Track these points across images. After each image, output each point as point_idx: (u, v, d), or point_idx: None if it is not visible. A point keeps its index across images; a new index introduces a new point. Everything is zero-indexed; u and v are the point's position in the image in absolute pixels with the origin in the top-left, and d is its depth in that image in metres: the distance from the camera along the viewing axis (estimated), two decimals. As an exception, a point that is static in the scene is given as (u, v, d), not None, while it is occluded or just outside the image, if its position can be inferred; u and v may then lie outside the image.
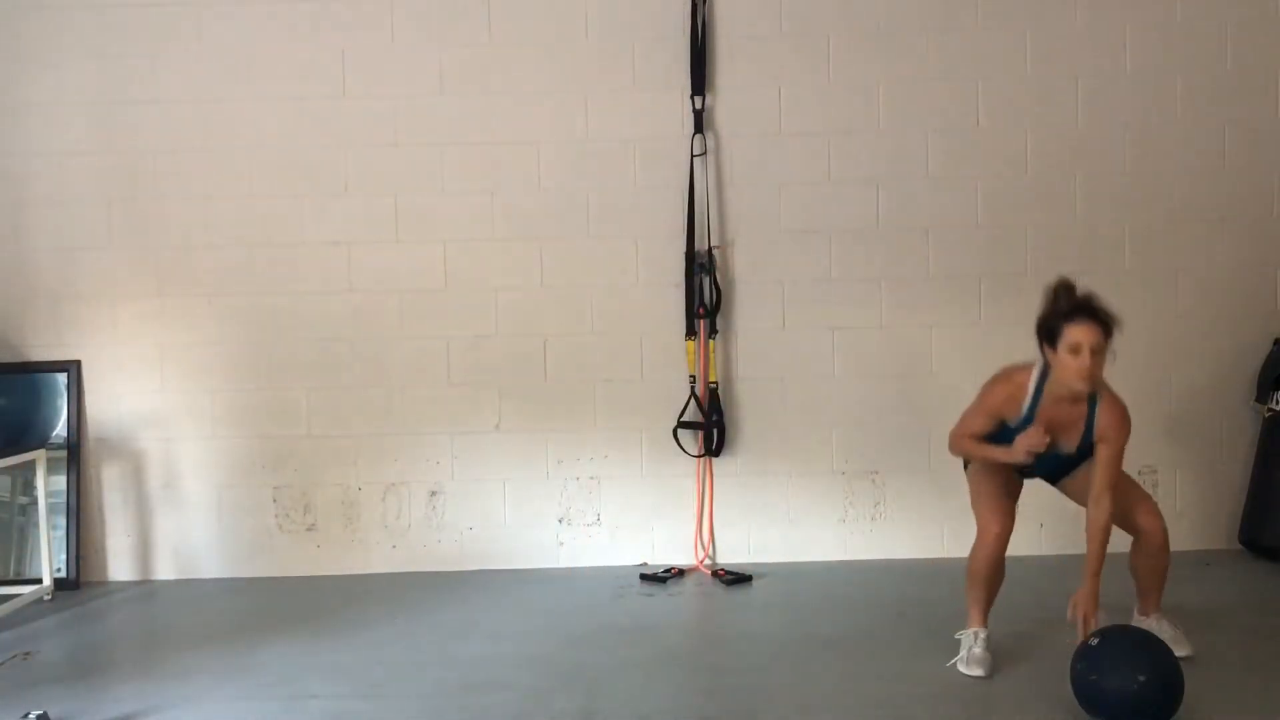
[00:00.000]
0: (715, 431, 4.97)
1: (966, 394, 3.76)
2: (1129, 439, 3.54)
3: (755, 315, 5.03)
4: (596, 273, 5.02)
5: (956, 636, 3.71)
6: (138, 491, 5.06)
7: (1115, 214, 4.99)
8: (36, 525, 4.79)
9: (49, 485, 4.79)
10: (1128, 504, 3.63)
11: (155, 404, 5.04)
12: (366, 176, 5.01)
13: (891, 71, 4.99)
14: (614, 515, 5.08)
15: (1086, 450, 3.60)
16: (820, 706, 3.41)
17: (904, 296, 5.00)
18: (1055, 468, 3.74)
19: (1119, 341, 3.46)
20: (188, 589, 4.95)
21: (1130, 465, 4.89)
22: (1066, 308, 3.45)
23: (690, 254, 4.97)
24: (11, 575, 4.93)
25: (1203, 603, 4.27)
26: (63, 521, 4.97)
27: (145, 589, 4.97)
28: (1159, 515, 3.67)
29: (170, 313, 5.04)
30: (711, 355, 4.97)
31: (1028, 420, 3.55)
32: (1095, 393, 3.51)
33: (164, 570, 5.08)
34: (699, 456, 5.02)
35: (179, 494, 5.07)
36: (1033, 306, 3.56)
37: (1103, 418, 3.52)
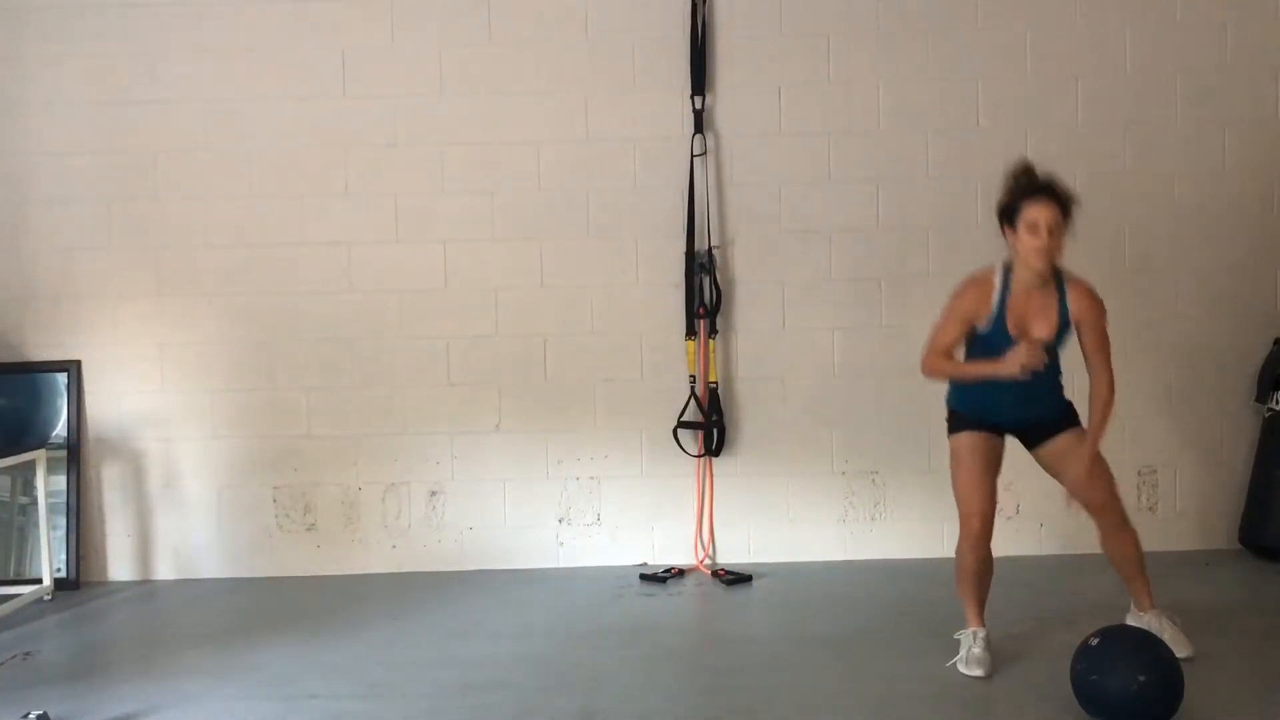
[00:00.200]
0: (715, 431, 4.97)
1: (966, 394, 3.75)
2: (1106, 315, 3.59)
3: (755, 315, 5.03)
4: (596, 273, 5.02)
5: (955, 637, 3.71)
6: (138, 491, 5.06)
7: (1115, 214, 4.99)
8: (36, 525, 4.79)
9: (49, 485, 4.79)
10: (1090, 480, 3.63)
11: (155, 404, 5.04)
12: (366, 176, 5.02)
13: (891, 71, 4.99)
14: (614, 515, 5.08)
15: (1058, 344, 3.58)
16: (820, 706, 3.41)
17: (904, 296, 5.00)
18: (1034, 391, 3.63)
19: (1075, 218, 3.54)
20: (188, 589, 4.95)
21: (1130, 465, 4.98)
22: (1025, 188, 3.53)
23: (690, 254, 4.97)
24: (11, 575, 4.93)
25: (1203, 603, 4.26)
26: (63, 521, 4.97)
27: (145, 589, 4.97)
28: (1116, 496, 3.68)
29: (170, 313, 5.04)
30: (711, 355, 4.97)
31: (999, 317, 3.56)
32: (1061, 277, 3.57)
33: (164, 570, 5.08)
34: (699, 456, 5.02)
35: (179, 494, 5.07)
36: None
37: (1074, 300, 3.57)
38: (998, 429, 3.70)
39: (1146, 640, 3.26)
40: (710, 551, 5.07)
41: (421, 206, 5.02)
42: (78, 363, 5.04)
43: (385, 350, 5.05)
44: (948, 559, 3.80)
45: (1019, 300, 3.56)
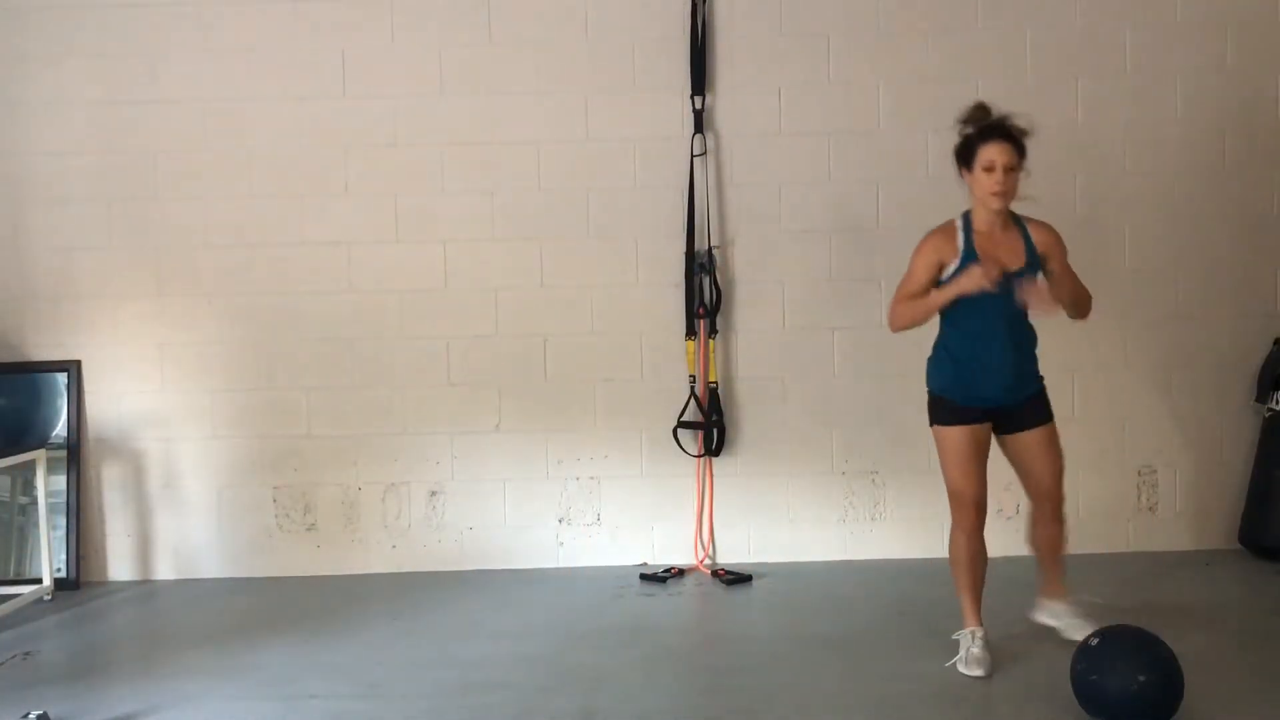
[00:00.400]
0: (715, 431, 4.97)
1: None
2: (1067, 250, 3.66)
3: (755, 315, 5.03)
4: (596, 273, 5.02)
5: (954, 637, 3.71)
6: (138, 491, 5.06)
7: (1115, 214, 4.99)
8: (36, 525, 4.79)
9: (49, 485, 4.79)
10: (1044, 464, 3.70)
11: (155, 404, 5.05)
12: (366, 176, 5.02)
13: (891, 71, 4.99)
14: (614, 515, 5.08)
15: (1030, 272, 3.60)
16: (820, 706, 3.41)
17: (904, 296, 4.99)
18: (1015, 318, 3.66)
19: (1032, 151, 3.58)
20: (188, 589, 4.95)
21: (1130, 465, 4.98)
22: (980, 128, 3.57)
23: (690, 254, 4.97)
24: (11, 575, 4.93)
25: (1203, 603, 4.27)
26: (63, 521, 4.97)
27: (145, 589, 4.97)
28: (1062, 486, 3.74)
29: (170, 313, 5.04)
30: (711, 355, 4.97)
31: (967, 254, 3.59)
32: (1019, 218, 3.64)
33: (164, 570, 5.08)
34: (699, 456, 5.02)
35: (179, 494, 5.07)
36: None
37: (1037, 235, 3.65)
38: (979, 410, 3.69)
39: (1146, 640, 3.25)
40: (710, 551, 5.07)
41: (421, 206, 5.02)
42: (78, 363, 5.04)
43: (385, 350, 5.05)
44: (947, 559, 3.80)
45: (985, 240, 3.62)
